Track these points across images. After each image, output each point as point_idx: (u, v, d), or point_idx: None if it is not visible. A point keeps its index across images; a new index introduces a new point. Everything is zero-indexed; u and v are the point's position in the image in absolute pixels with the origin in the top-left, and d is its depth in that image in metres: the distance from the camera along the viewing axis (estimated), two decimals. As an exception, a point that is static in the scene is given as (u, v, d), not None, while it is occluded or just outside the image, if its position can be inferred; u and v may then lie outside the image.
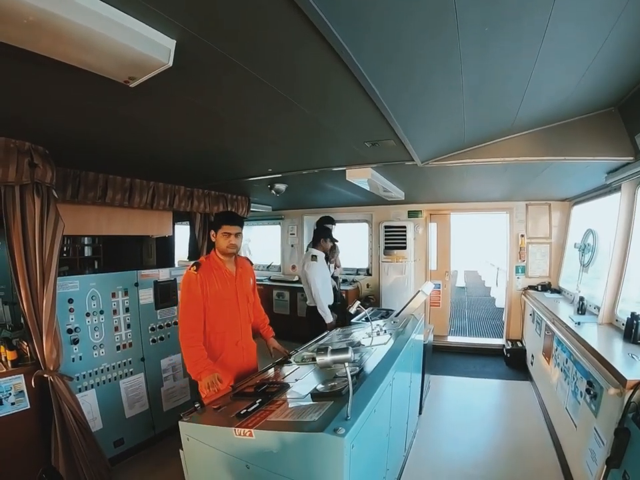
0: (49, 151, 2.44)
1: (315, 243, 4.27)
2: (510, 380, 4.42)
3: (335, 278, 4.73)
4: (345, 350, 1.51)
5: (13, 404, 2.35)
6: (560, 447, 2.92)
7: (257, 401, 1.80)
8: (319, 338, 3.27)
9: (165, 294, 3.32)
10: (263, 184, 4.11)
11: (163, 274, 3.32)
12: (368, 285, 6.37)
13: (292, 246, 7.05)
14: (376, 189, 3.97)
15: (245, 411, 1.71)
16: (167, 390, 3.29)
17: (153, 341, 3.21)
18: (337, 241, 4.71)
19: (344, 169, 3.17)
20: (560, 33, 1.44)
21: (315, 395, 1.73)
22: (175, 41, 1.17)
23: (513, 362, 4.80)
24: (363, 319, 3.38)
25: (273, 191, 4.29)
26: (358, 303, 3.06)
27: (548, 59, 1.66)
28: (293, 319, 6.20)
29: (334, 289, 4.69)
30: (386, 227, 5.90)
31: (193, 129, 2.18)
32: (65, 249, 4.88)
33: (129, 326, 3.02)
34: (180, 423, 1.82)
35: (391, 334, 2.74)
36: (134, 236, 4.83)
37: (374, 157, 2.84)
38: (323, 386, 1.81)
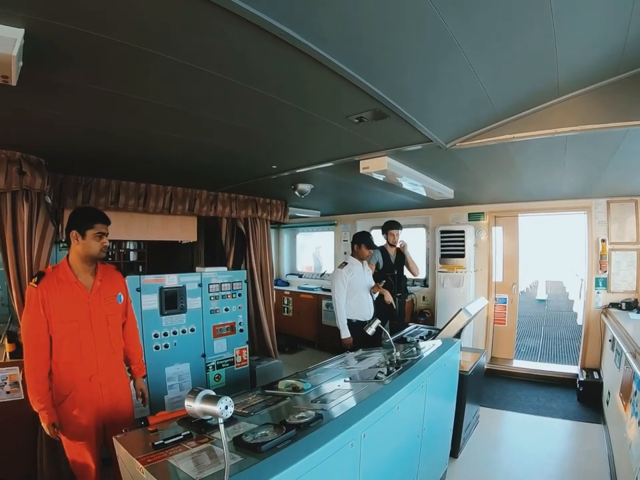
0: (46, 160, 2.55)
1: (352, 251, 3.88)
2: (578, 421, 3.49)
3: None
4: (213, 399, 1.10)
5: (8, 392, 2.43)
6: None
7: (182, 434, 1.51)
8: (333, 358, 2.90)
9: (172, 300, 3.24)
10: (284, 184, 3.86)
11: (170, 280, 3.25)
12: (424, 298, 5.71)
13: (345, 253, 6.55)
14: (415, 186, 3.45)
15: (161, 442, 1.44)
16: (171, 398, 3.19)
17: (157, 347, 3.13)
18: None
19: (355, 158, 2.78)
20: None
21: (238, 441, 1.36)
22: (24, 30, 1.11)
23: (586, 397, 3.84)
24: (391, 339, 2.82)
25: (296, 192, 4.03)
26: (377, 322, 2.65)
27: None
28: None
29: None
30: (442, 231, 5.21)
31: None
32: (110, 253, 5.14)
33: (129, 330, 2.95)
34: (114, 438, 1.60)
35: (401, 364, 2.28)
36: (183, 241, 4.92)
37: (381, 141, 2.45)
38: (263, 429, 1.45)
